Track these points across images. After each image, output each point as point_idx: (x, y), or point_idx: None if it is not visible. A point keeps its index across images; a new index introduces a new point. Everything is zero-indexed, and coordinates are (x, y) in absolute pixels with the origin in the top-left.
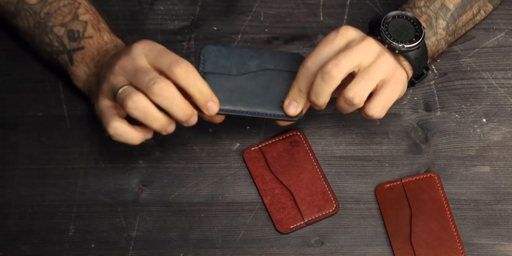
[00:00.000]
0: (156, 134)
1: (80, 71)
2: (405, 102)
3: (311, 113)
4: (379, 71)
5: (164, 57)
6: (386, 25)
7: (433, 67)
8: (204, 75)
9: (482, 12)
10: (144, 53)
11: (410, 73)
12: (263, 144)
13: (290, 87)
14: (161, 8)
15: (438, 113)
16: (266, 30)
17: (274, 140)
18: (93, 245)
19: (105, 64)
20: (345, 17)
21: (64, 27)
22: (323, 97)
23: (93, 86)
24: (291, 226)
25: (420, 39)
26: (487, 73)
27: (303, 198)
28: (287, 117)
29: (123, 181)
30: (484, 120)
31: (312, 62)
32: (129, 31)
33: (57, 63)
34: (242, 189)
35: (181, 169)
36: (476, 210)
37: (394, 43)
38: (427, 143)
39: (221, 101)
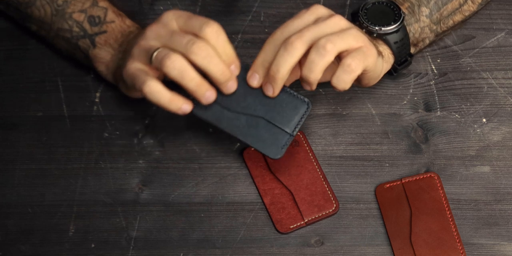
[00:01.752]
0: (158, 130)
1: (104, 53)
2: (405, 102)
3: (311, 113)
4: (350, 36)
5: (194, 20)
6: (365, 11)
7: (433, 67)
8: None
9: (469, 2)
10: (174, 18)
11: (392, 58)
12: None
13: (255, 58)
14: (161, 8)
15: (438, 113)
16: (266, 30)
17: None
18: (93, 245)
19: (131, 40)
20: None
21: (84, 13)
22: (283, 69)
23: (121, 61)
24: (291, 226)
25: (398, 23)
26: (487, 73)
27: (303, 198)
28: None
29: (123, 181)
30: (484, 120)
31: (280, 32)
32: None
33: (76, 48)
34: (242, 189)
35: (181, 169)
36: (476, 210)
37: (371, 26)
38: (427, 143)
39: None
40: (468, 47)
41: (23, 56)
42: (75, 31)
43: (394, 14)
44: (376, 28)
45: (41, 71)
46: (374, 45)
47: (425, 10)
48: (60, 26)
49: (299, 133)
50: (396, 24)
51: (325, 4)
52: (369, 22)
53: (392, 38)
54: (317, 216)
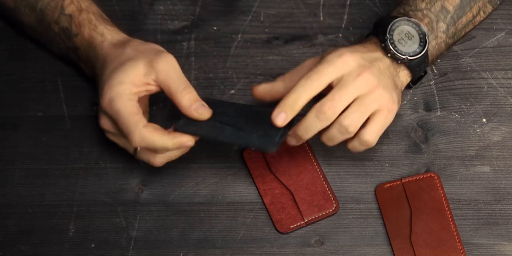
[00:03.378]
0: None
1: (87, 69)
2: (405, 102)
3: None
4: (374, 103)
5: (120, 130)
6: (392, 33)
7: (433, 67)
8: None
9: (481, 13)
10: (110, 128)
11: (408, 79)
12: None
13: (284, 97)
14: (161, 8)
15: (438, 113)
16: (266, 30)
17: None
18: (93, 245)
19: (98, 68)
20: (345, 17)
21: (57, 25)
22: (311, 134)
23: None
24: (291, 226)
25: (424, 51)
26: (487, 73)
27: (303, 198)
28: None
29: (123, 181)
30: (484, 120)
31: (316, 78)
32: (129, 31)
33: (67, 55)
34: (242, 189)
35: (181, 169)
36: (476, 210)
37: (398, 54)
38: (427, 143)
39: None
40: (468, 47)
41: (23, 56)
42: (60, 42)
43: (419, 39)
44: (403, 57)
45: (41, 71)
46: (396, 82)
47: (442, 26)
48: (46, 36)
49: None
50: (423, 52)
51: (325, 4)
52: (395, 48)
53: (415, 64)
54: (317, 216)
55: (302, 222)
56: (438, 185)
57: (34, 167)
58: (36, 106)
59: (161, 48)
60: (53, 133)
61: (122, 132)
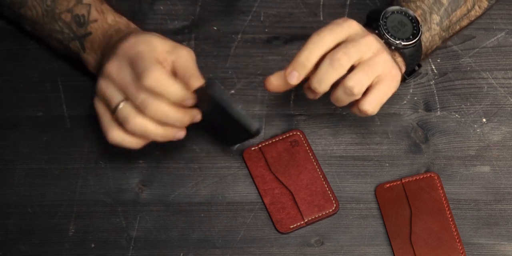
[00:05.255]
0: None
1: (91, 59)
2: (405, 102)
3: (311, 113)
4: (378, 66)
5: (135, 70)
6: (385, 20)
7: (433, 67)
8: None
9: (476, 7)
10: (122, 69)
11: (403, 69)
12: (263, 144)
13: (295, 55)
14: (161, 8)
15: (438, 113)
16: (266, 30)
17: (274, 140)
18: (93, 245)
19: (106, 55)
20: (345, 17)
21: (70, 13)
22: (325, 84)
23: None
24: (291, 226)
25: (417, 38)
26: (487, 73)
27: (303, 198)
28: (248, 133)
29: (123, 181)
30: (484, 120)
31: (325, 35)
32: None
33: (69, 50)
34: (242, 189)
35: (181, 169)
36: (476, 210)
37: (391, 39)
38: (427, 143)
39: None
40: (468, 47)
41: (23, 56)
42: (65, 33)
43: (412, 27)
44: (397, 42)
45: (41, 71)
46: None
47: (436, 18)
48: (52, 27)
49: (299, 133)
50: (416, 39)
51: (325, 4)
52: (389, 34)
53: (409, 52)
54: (317, 216)
55: (302, 222)
56: (438, 185)
57: (34, 167)
58: (36, 106)
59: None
60: (53, 133)
61: (131, 75)
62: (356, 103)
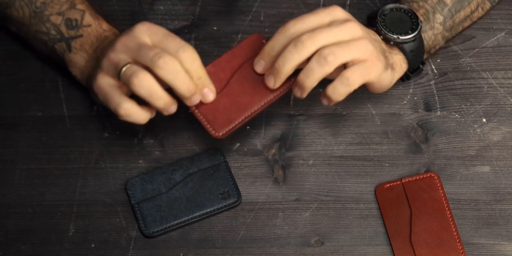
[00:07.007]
0: (158, 130)
1: (79, 58)
2: (405, 102)
3: (311, 113)
4: (356, 48)
5: (170, 41)
6: (383, 17)
7: (433, 67)
8: (137, 205)
9: (480, 9)
10: (148, 34)
11: (405, 66)
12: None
13: (263, 46)
14: (161, 8)
15: (438, 113)
16: (266, 30)
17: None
18: (93, 245)
19: (105, 47)
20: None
21: (61, 16)
22: (289, 64)
23: (93, 69)
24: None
25: (416, 32)
26: (487, 73)
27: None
28: (227, 206)
29: (123, 181)
30: (484, 120)
31: (293, 25)
32: None
33: (53, 51)
34: (242, 189)
35: None
36: (476, 210)
37: (389, 34)
38: (427, 143)
39: (161, 220)
40: (468, 47)
41: (23, 56)
42: (52, 34)
43: (411, 23)
44: (394, 36)
45: (41, 71)
46: (387, 55)
47: (439, 17)
48: (38, 28)
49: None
50: (414, 33)
51: (325, 4)
52: (387, 30)
53: (409, 47)
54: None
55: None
56: (438, 185)
57: (34, 167)
58: (36, 106)
59: None
60: (53, 133)
61: (144, 40)
62: (334, 81)
